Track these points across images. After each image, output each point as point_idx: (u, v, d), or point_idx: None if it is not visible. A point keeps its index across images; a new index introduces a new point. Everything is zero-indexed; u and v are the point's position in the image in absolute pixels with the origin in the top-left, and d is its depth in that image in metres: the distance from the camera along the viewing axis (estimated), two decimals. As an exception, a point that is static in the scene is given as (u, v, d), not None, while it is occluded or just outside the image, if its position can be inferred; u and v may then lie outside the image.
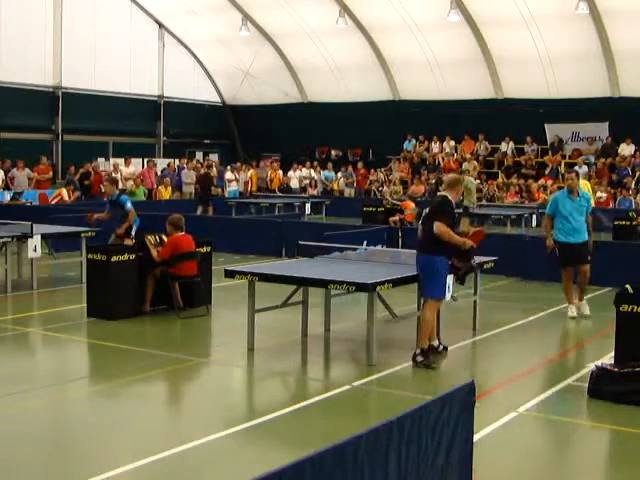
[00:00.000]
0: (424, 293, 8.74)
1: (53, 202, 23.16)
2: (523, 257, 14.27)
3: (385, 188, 28.82)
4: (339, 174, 31.14)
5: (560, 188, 16.01)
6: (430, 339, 8.80)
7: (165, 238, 11.31)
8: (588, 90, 27.66)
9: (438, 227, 8.31)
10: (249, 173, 30.36)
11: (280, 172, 30.88)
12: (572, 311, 11.18)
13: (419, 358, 8.51)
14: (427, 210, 8.71)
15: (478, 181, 21.49)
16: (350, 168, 31.36)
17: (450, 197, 8.61)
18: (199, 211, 23.21)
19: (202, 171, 26.86)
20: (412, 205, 20.67)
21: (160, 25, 33.41)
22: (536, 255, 13.23)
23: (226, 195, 27.68)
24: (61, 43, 29.32)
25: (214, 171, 28.47)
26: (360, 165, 31.44)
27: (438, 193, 9.55)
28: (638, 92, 27.00)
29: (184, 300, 11.16)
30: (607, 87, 27.89)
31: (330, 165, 31.65)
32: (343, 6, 29.48)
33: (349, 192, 30.47)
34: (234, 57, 33.64)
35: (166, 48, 33.66)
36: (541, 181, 27.26)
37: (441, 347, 9.07)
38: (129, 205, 13.38)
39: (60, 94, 29.62)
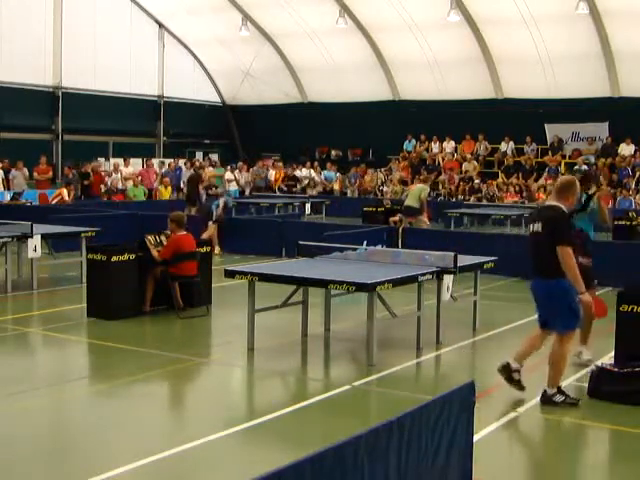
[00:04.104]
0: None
1: (53, 202, 23.14)
2: (523, 257, 14.22)
3: (386, 188, 28.80)
4: (338, 175, 31.09)
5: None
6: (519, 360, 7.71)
7: (165, 237, 11.30)
8: (588, 90, 27.65)
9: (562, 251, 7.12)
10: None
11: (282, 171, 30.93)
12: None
13: (558, 398, 7.28)
14: (541, 223, 7.36)
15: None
16: (353, 170, 31.29)
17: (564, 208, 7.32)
18: (187, 211, 22.39)
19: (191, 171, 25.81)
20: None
21: (160, 25, 33.40)
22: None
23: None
24: (61, 43, 29.31)
25: (210, 171, 27.72)
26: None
27: (547, 202, 7.67)
28: (638, 92, 26.99)
29: (184, 300, 11.15)
30: (607, 87, 27.88)
31: (331, 166, 31.55)
32: (343, 6, 29.47)
33: (352, 191, 30.42)
34: (234, 57, 33.63)
35: (166, 48, 33.65)
36: (541, 181, 27.26)
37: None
38: None
39: (60, 94, 29.62)
